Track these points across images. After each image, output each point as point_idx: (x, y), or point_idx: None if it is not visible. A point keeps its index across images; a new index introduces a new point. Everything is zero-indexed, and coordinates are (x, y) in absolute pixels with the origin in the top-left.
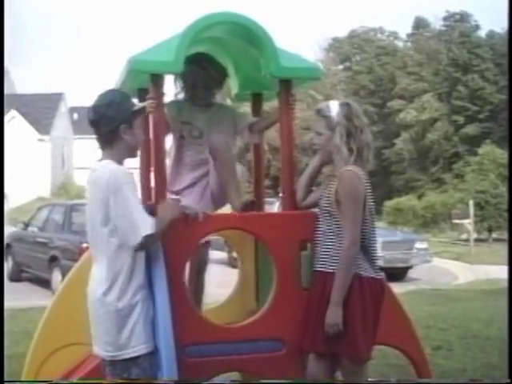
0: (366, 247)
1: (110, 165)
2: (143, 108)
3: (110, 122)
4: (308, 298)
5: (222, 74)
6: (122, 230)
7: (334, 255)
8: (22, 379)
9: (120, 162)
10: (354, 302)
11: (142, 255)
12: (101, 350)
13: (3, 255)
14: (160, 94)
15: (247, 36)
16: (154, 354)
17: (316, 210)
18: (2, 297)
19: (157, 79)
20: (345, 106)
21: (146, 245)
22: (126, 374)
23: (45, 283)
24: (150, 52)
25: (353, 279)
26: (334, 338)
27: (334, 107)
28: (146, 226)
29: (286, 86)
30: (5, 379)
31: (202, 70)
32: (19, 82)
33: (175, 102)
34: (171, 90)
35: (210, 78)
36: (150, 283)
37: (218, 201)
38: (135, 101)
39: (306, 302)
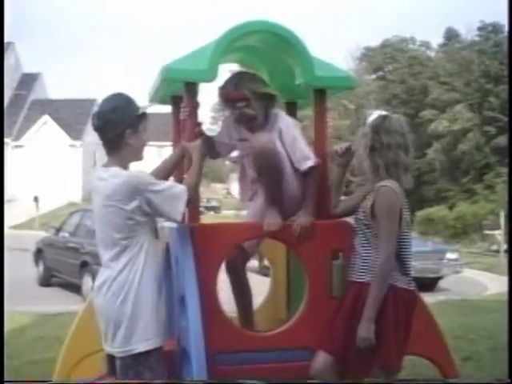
0: (401, 259)
1: (121, 172)
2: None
3: (116, 127)
4: (340, 306)
5: (261, 87)
6: (166, 214)
7: (371, 266)
8: None
9: (126, 167)
10: (387, 313)
11: (153, 250)
12: (109, 346)
13: (3, 255)
14: (194, 102)
15: (282, 45)
16: (160, 351)
17: (349, 219)
18: (2, 296)
19: (190, 87)
20: (380, 118)
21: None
22: (132, 371)
23: (75, 288)
24: (183, 60)
25: (387, 290)
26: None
27: (370, 117)
28: (183, 195)
29: (320, 95)
30: (6, 379)
31: (235, 110)
32: (52, 87)
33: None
34: (206, 97)
35: (244, 114)
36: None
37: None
38: (169, 108)
39: (338, 309)
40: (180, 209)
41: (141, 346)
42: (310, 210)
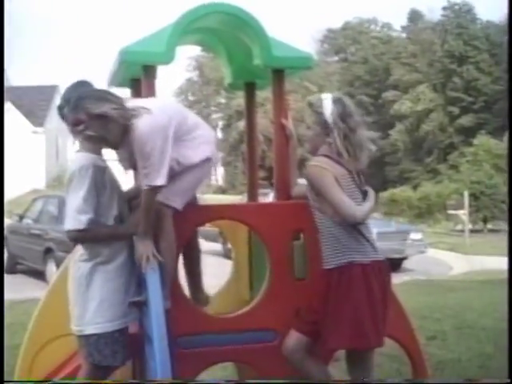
0: (359, 229)
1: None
2: None
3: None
4: (311, 292)
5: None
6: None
7: (329, 251)
8: (17, 370)
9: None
10: (359, 290)
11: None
12: (72, 324)
13: (3, 254)
14: (152, 85)
15: (240, 26)
16: (114, 335)
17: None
18: (2, 296)
19: (149, 70)
20: (338, 103)
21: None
22: (84, 351)
23: (39, 275)
24: (141, 43)
25: (353, 267)
26: (342, 327)
27: (327, 104)
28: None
29: (278, 75)
30: (5, 378)
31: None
32: (14, 75)
33: None
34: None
35: (86, 137)
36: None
37: None
38: (128, 92)
39: (310, 295)
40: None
41: (89, 329)
42: (146, 233)
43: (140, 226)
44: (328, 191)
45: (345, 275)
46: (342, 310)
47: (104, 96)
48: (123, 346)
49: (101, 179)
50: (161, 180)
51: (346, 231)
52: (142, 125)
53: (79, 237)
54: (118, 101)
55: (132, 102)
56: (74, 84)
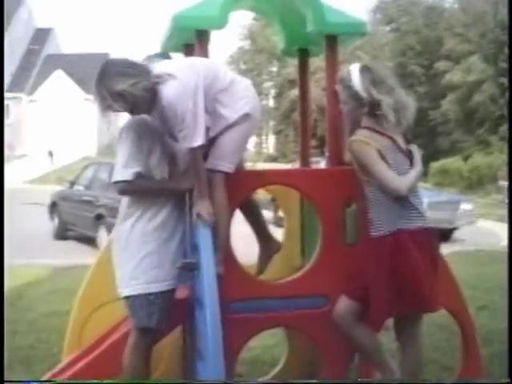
0: (407, 197)
1: None
2: None
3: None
4: (362, 259)
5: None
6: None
7: (375, 220)
8: (67, 336)
9: None
10: (408, 257)
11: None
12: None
13: (3, 253)
14: (205, 50)
15: None
16: (149, 297)
17: None
18: (2, 296)
19: (202, 35)
20: (365, 71)
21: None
22: (131, 314)
23: (90, 241)
24: (194, 8)
25: (401, 234)
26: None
27: (355, 75)
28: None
29: (331, 41)
30: (6, 379)
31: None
32: (64, 43)
33: None
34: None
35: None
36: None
37: None
38: (181, 56)
39: (360, 262)
40: None
41: (125, 291)
42: (201, 194)
43: (195, 188)
44: (371, 166)
45: (393, 242)
46: (391, 276)
47: (122, 71)
48: (160, 308)
49: (149, 136)
50: (199, 140)
51: (392, 200)
52: (168, 91)
53: (127, 188)
54: (138, 73)
55: (157, 68)
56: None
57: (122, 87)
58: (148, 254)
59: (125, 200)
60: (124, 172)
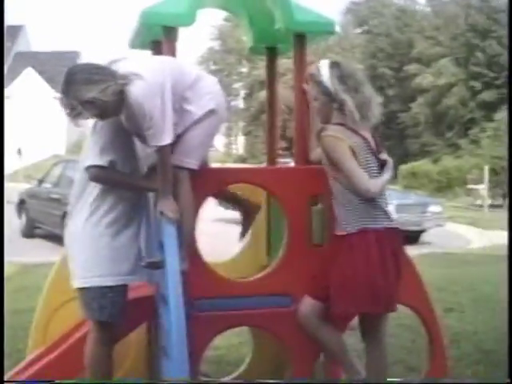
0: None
1: None
2: None
3: None
4: (324, 258)
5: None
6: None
7: (343, 216)
8: (32, 333)
9: None
10: (372, 256)
11: (113, 194)
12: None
13: (3, 252)
14: (173, 47)
15: None
16: (102, 290)
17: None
18: (2, 296)
19: (169, 32)
20: (335, 67)
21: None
22: (83, 306)
23: (58, 239)
24: (162, 4)
25: (366, 233)
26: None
27: (324, 70)
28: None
29: (300, 40)
30: (6, 371)
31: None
32: (35, 40)
33: None
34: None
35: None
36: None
37: None
38: (149, 53)
39: (323, 261)
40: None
41: (76, 282)
42: (164, 191)
43: (160, 186)
44: (343, 163)
45: (358, 241)
46: (353, 275)
47: (89, 78)
48: (112, 302)
49: (121, 132)
50: (167, 138)
51: (359, 199)
52: (135, 91)
53: (100, 175)
54: (104, 77)
55: (122, 68)
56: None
57: (92, 95)
58: (101, 247)
59: (75, 192)
60: (100, 158)
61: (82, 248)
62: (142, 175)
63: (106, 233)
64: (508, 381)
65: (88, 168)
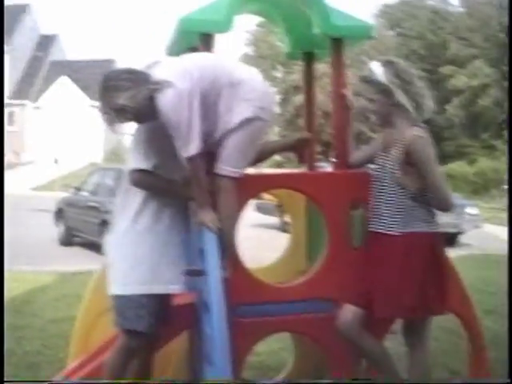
0: (428, 201)
1: None
2: None
3: None
4: (368, 259)
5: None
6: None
7: (398, 219)
8: (72, 341)
9: None
10: (422, 260)
11: (155, 203)
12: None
13: (3, 251)
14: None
15: None
16: (140, 300)
17: (366, 169)
18: (2, 296)
19: (206, 39)
20: (387, 64)
21: None
22: (116, 315)
23: (96, 247)
24: (200, 11)
25: (416, 236)
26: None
27: (377, 69)
28: None
29: (337, 44)
30: (6, 379)
31: None
32: (70, 49)
33: None
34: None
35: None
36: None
37: None
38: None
39: (364, 261)
40: None
41: (115, 290)
42: (200, 202)
43: (195, 196)
44: (430, 169)
45: (405, 244)
46: (400, 278)
47: (118, 85)
48: (149, 312)
49: (163, 137)
50: (193, 148)
51: (416, 202)
52: (163, 101)
53: (143, 179)
54: (134, 84)
55: (156, 73)
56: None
57: (121, 102)
58: (142, 255)
59: (118, 199)
60: (144, 162)
61: (123, 255)
62: (183, 182)
63: (148, 240)
64: (508, 381)
65: (131, 172)
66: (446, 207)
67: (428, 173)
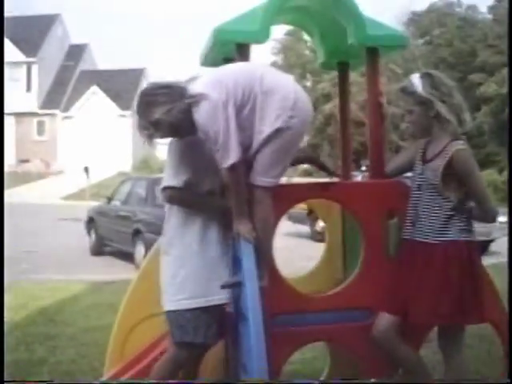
0: (470, 210)
1: None
2: None
3: None
4: (403, 267)
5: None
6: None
7: (437, 227)
8: (109, 351)
9: None
10: (461, 268)
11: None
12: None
13: (3, 250)
14: None
15: (334, 4)
16: (195, 312)
17: (402, 178)
18: (2, 296)
19: (242, 49)
20: (426, 76)
21: None
22: (172, 329)
23: (127, 257)
24: (235, 21)
25: (456, 244)
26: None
27: (417, 81)
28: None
29: (372, 54)
30: (6, 379)
31: None
32: (99, 58)
33: None
34: (260, 60)
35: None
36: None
37: None
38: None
39: (400, 270)
40: None
41: (167, 305)
42: (238, 212)
43: (233, 206)
44: (475, 180)
45: (441, 252)
46: (439, 286)
47: (154, 101)
48: (207, 323)
49: (196, 149)
50: (232, 158)
51: (455, 211)
52: (200, 114)
53: (175, 196)
54: (169, 99)
55: (192, 86)
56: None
57: (157, 116)
58: (192, 269)
59: (169, 213)
60: (174, 179)
61: (174, 270)
62: (220, 193)
63: (197, 254)
64: (508, 381)
65: (163, 189)
66: (492, 217)
67: (472, 184)
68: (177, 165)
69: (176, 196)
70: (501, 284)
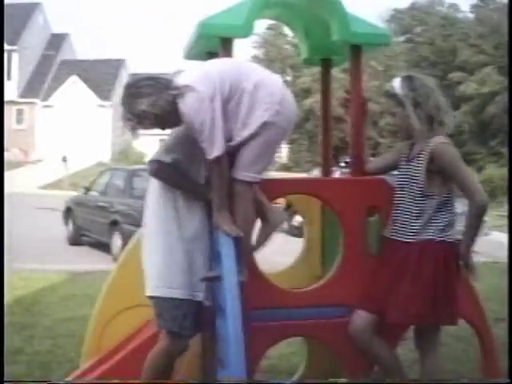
0: (452, 207)
1: None
2: None
3: None
4: (383, 265)
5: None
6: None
7: (416, 226)
8: (86, 340)
9: None
10: (436, 267)
11: (185, 207)
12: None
13: (3, 250)
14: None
15: (318, 1)
16: (174, 302)
17: (384, 176)
18: (2, 297)
19: (226, 43)
20: (406, 78)
21: None
22: (156, 315)
23: (105, 247)
24: (220, 15)
25: (433, 244)
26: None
27: (397, 84)
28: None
29: (356, 51)
30: (5, 378)
31: None
32: (80, 48)
33: None
34: (241, 54)
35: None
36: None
37: None
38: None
39: (379, 268)
40: None
41: (149, 291)
42: (218, 206)
43: (214, 198)
44: (458, 168)
45: (418, 251)
46: (413, 286)
47: (138, 92)
48: (184, 315)
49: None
50: (217, 151)
51: (440, 208)
52: (185, 105)
53: (161, 170)
54: (154, 90)
55: (178, 79)
56: None
57: (142, 108)
58: (175, 259)
59: (150, 201)
60: (166, 155)
61: (158, 259)
62: (203, 182)
63: (180, 245)
64: (508, 381)
65: (150, 162)
66: (481, 202)
67: (458, 175)
68: (172, 144)
69: (161, 171)
70: (477, 283)
